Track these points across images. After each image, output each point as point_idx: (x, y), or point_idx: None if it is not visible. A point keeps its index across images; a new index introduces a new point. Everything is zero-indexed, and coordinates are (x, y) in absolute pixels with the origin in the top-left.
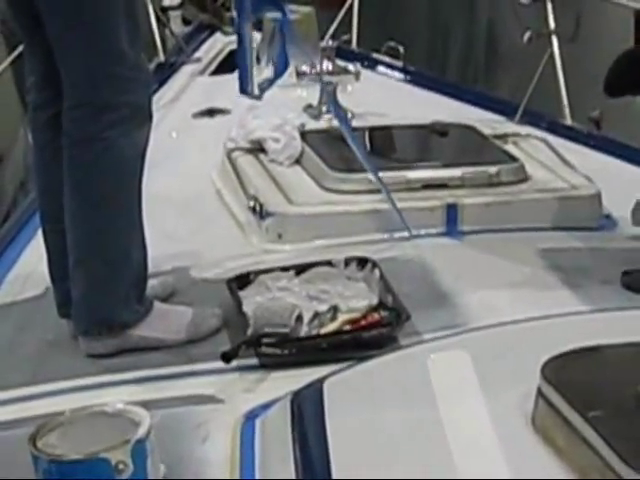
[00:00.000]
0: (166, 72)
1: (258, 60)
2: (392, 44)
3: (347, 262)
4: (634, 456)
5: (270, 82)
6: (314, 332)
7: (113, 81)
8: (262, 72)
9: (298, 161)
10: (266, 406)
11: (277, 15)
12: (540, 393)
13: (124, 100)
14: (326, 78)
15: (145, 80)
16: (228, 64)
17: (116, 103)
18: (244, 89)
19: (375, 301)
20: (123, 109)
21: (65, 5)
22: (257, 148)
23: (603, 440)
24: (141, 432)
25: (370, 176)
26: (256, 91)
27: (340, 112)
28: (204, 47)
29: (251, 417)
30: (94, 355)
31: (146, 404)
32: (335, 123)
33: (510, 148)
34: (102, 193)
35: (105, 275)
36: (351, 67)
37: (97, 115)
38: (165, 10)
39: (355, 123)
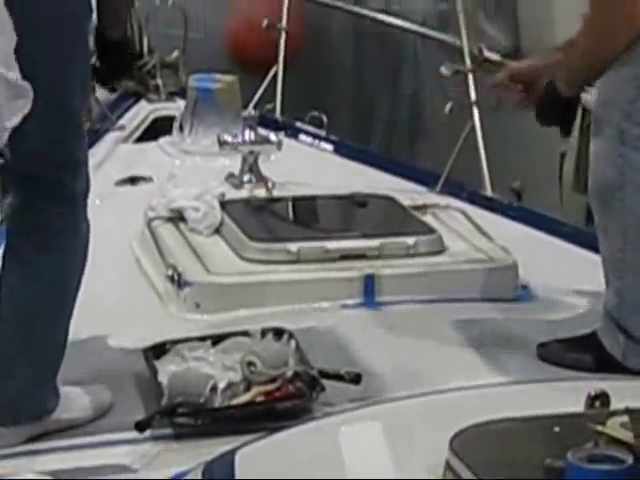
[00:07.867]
0: (90, 139)
1: (181, 128)
2: (316, 113)
3: (264, 333)
4: None
5: None
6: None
7: None
8: (184, 140)
9: (218, 231)
10: (179, 476)
11: (200, 84)
12: (448, 466)
13: None
14: (248, 147)
15: None
16: (152, 132)
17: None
18: None
19: (290, 372)
20: None
21: None
22: (177, 217)
23: None
24: None
25: (289, 246)
26: None
27: None
28: (128, 115)
29: None
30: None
31: (57, 474)
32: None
33: (428, 219)
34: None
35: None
36: (273, 136)
37: None
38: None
39: (276, 193)
